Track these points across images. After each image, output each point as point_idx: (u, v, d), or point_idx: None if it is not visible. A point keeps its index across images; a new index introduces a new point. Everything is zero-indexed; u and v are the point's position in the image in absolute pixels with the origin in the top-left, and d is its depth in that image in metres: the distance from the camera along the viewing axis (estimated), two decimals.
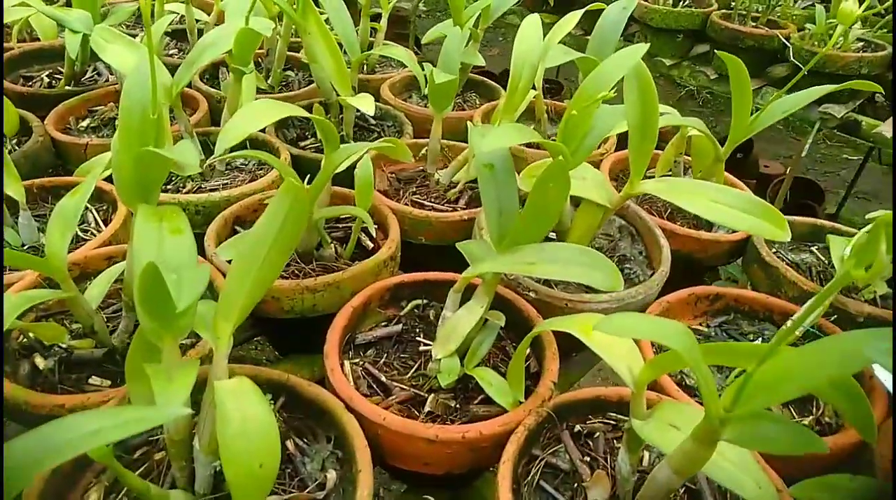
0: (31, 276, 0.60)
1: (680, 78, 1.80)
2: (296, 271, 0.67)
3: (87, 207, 0.76)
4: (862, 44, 1.56)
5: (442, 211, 0.78)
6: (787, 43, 1.53)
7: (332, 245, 0.70)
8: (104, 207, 0.77)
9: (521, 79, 0.80)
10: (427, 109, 1.04)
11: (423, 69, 0.93)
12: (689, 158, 0.87)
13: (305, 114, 0.61)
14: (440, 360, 0.57)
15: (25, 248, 0.69)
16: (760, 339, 0.67)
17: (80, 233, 0.72)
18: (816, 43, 1.52)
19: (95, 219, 0.75)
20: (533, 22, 0.82)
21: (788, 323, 0.64)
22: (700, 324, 0.69)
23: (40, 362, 0.55)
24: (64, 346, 0.56)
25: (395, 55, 0.93)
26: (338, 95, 0.89)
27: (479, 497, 0.61)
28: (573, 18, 0.89)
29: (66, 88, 1.03)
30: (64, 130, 0.91)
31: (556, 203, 0.52)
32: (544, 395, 0.54)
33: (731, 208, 0.58)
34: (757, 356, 0.34)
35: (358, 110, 0.95)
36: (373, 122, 1.01)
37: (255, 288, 0.43)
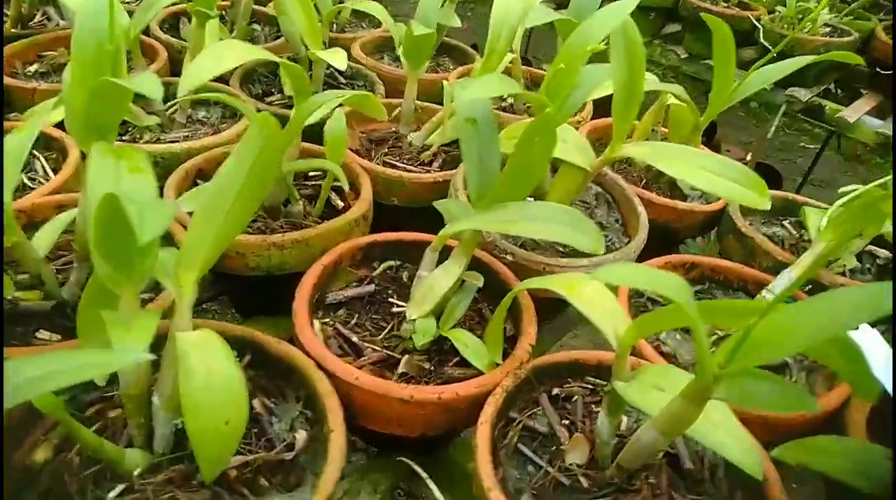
0: None
1: (650, 57, 1.79)
2: (262, 228, 0.64)
3: (34, 155, 0.71)
4: (829, 29, 1.57)
5: (415, 172, 0.76)
6: (757, 24, 1.54)
7: (301, 202, 0.67)
8: (53, 156, 0.72)
9: (500, 39, 0.77)
10: (400, 69, 1.00)
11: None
12: (666, 130, 0.86)
13: (274, 58, 0.57)
14: (415, 320, 0.55)
15: None
16: None
17: (27, 182, 0.67)
18: (786, 26, 1.53)
19: (44, 167, 0.70)
20: None
21: (763, 292, 0.64)
22: None
23: None
24: (8, 298, 0.52)
25: (370, 9, 0.89)
26: (307, 49, 0.86)
27: (451, 462, 0.60)
28: None
29: (13, 30, 0.96)
30: (10, 75, 0.85)
31: (540, 160, 0.50)
32: (522, 357, 0.52)
33: (715, 175, 0.57)
34: (754, 314, 0.33)
35: (328, 67, 0.91)
36: (343, 80, 0.97)
37: (221, 237, 0.40)
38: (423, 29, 0.72)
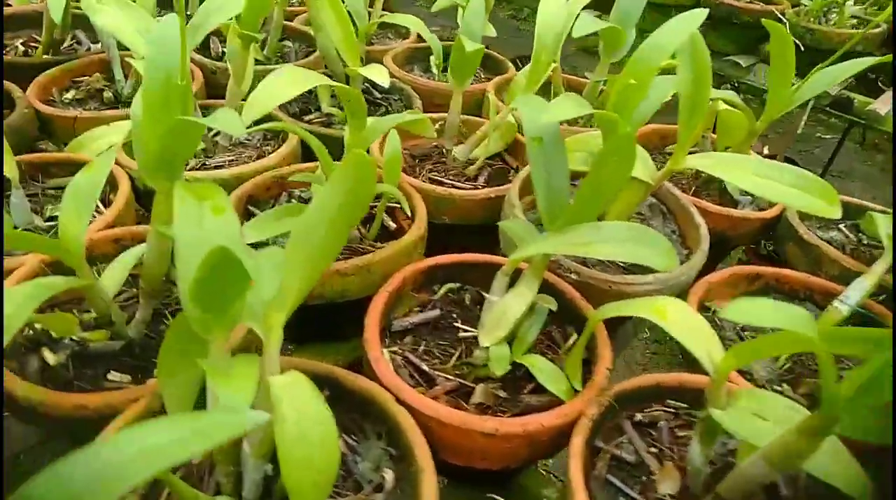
0: (34, 261, 0.54)
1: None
2: None
3: None
4: (856, 20, 1.55)
5: (465, 189, 0.75)
6: (783, 19, 1.52)
7: (356, 226, 0.66)
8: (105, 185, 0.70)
9: (545, 49, 0.76)
10: (433, 82, 0.99)
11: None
12: (714, 135, 0.84)
13: (333, 83, 0.56)
14: (487, 348, 0.53)
15: (18, 230, 0.63)
16: None
17: None
18: (812, 19, 1.51)
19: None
20: None
21: (835, 303, 0.62)
22: None
23: (50, 356, 0.50)
24: (75, 338, 0.51)
25: (407, 23, 0.88)
26: (345, 65, 0.85)
27: (523, 490, 0.58)
28: None
29: (45, 57, 0.95)
30: (48, 102, 0.84)
31: (616, 181, 0.49)
32: (601, 383, 0.51)
33: (781, 184, 0.55)
34: (888, 344, 0.31)
35: (364, 81, 0.90)
36: (378, 95, 0.96)
37: (312, 272, 0.40)
38: (472, 44, 0.71)
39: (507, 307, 0.53)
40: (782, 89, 0.69)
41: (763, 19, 0.67)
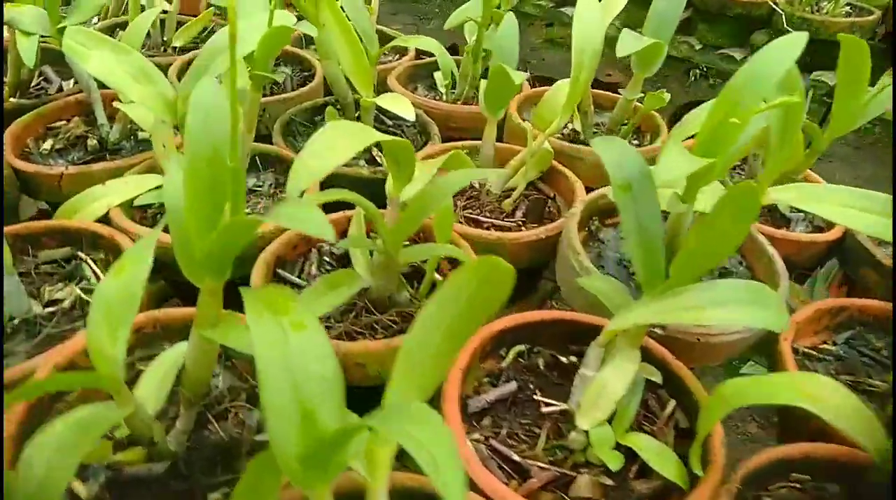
0: (57, 359, 0.46)
1: None
2: (372, 324, 0.55)
3: (79, 257, 0.61)
4: (848, 7, 1.52)
5: (513, 230, 0.68)
6: (776, 8, 1.48)
7: (405, 285, 0.59)
8: (102, 256, 0.62)
9: (583, 68, 0.70)
10: (446, 103, 0.92)
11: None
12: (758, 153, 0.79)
13: (384, 137, 0.48)
14: (586, 431, 0.47)
15: (15, 322, 0.54)
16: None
17: (85, 297, 0.57)
18: (808, 8, 1.48)
19: (95, 272, 0.60)
20: (590, 2, 0.71)
21: None
22: (824, 342, 0.61)
23: (80, 488, 0.42)
24: (105, 465, 0.43)
25: (424, 46, 0.80)
26: (355, 93, 0.77)
27: None
28: None
29: (12, 100, 0.85)
30: (24, 156, 0.74)
31: (733, 238, 0.43)
32: (720, 463, 0.45)
33: (873, 215, 0.50)
34: None
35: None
36: (390, 122, 0.88)
37: (423, 394, 0.32)
38: (517, 74, 0.64)
39: (607, 384, 0.47)
40: (852, 104, 0.64)
41: (839, 34, 0.61)
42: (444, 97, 0.96)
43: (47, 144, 0.77)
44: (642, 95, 0.78)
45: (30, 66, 0.71)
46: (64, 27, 0.72)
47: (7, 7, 0.73)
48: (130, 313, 0.37)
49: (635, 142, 0.88)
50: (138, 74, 0.60)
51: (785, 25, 1.45)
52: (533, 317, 0.55)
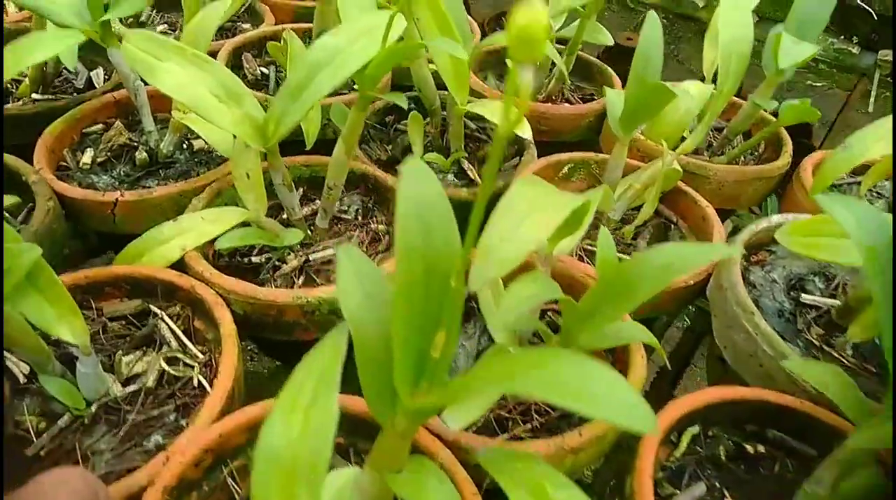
0: (166, 478, 0.37)
1: (705, 21, 1.61)
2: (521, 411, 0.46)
3: (152, 311, 0.51)
4: None
5: None
6: None
7: None
8: (177, 309, 0.51)
9: (730, 76, 0.60)
10: (538, 103, 0.81)
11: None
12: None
13: (578, 202, 0.38)
14: None
15: (92, 409, 0.44)
16: None
17: (169, 369, 0.47)
18: None
19: (175, 334, 0.50)
20: (736, 5, 0.61)
21: None
22: None
23: None
24: None
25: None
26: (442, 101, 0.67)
27: None
28: None
29: (34, 96, 0.73)
30: (63, 174, 0.63)
31: None
32: None
33: None
34: None
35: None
36: (474, 126, 0.78)
37: None
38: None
39: None
40: None
41: None
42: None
43: (87, 157, 0.65)
44: (777, 104, 0.68)
45: (71, 67, 0.59)
46: (107, 20, 0.60)
47: None
48: (319, 478, 0.27)
49: (751, 156, 0.78)
50: (222, 93, 0.49)
51: None
52: (714, 396, 0.47)
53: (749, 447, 0.46)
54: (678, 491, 0.44)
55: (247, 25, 0.93)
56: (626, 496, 0.42)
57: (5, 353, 0.46)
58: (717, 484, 0.45)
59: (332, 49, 0.49)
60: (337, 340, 0.28)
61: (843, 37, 1.44)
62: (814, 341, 0.53)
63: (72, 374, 0.45)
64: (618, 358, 0.51)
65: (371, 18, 0.50)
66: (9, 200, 0.55)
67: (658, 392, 0.70)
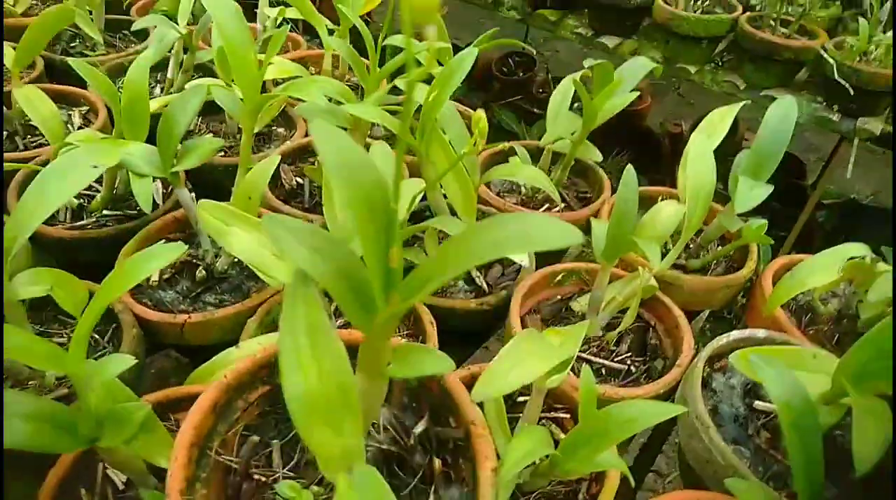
0: None
1: (703, 85, 1.73)
2: None
3: None
4: None
5: (627, 380, 0.70)
6: (825, 56, 1.48)
7: None
8: None
9: (696, 214, 0.72)
10: (528, 211, 0.93)
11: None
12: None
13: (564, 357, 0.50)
14: None
15: None
16: None
17: None
18: (859, 58, 1.48)
19: None
20: (702, 147, 0.73)
21: None
22: None
23: None
24: None
25: (525, 178, 0.81)
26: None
27: None
28: (725, 118, 0.80)
29: (105, 212, 0.85)
30: (136, 290, 0.75)
31: None
32: None
33: None
34: None
35: None
36: None
37: None
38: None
39: None
40: None
41: None
42: (527, 195, 0.97)
43: (155, 274, 0.77)
44: (743, 223, 0.80)
45: (146, 210, 0.71)
46: (177, 171, 0.72)
47: (117, 143, 0.73)
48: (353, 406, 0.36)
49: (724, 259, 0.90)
50: (276, 251, 0.61)
51: (835, 76, 1.45)
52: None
53: None
54: None
55: (281, 130, 1.05)
56: None
57: (107, 466, 0.58)
58: None
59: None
60: (303, 293, 0.36)
61: (824, 104, 1.56)
62: (761, 445, 0.65)
63: (161, 483, 0.57)
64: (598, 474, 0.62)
65: None
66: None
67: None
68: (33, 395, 0.48)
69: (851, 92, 1.44)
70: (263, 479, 0.49)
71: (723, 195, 0.79)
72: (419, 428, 0.50)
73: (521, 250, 0.32)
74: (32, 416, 0.46)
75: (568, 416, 0.66)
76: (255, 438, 0.51)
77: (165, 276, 0.78)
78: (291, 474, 0.49)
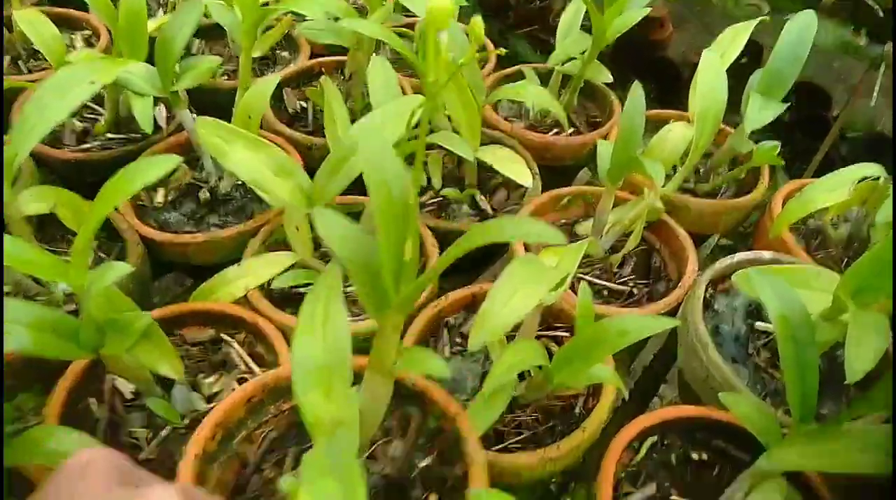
0: None
1: (723, 9, 1.66)
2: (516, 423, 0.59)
3: (223, 340, 0.64)
4: None
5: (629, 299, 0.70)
6: None
7: None
8: (242, 336, 0.64)
9: (704, 135, 0.70)
10: (540, 134, 0.90)
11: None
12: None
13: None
14: None
15: (186, 420, 0.58)
16: None
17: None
18: None
19: (243, 359, 0.63)
20: (713, 64, 0.70)
21: None
22: None
23: None
24: None
25: (531, 98, 0.79)
26: None
27: None
28: (739, 36, 0.77)
29: (108, 135, 0.85)
30: (139, 211, 0.76)
31: None
32: None
33: None
34: None
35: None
36: None
37: None
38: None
39: None
40: None
41: None
42: (534, 119, 0.95)
43: (160, 196, 0.78)
44: (754, 146, 0.78)
45: (147, 131, 0.71)
46: (177, 91, 0.71)
47: (115, 62, 0.72)
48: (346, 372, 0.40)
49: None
50: (277, 169, 0.61)
51: None
52: (671, 414, 0.59)
53: (695, 454, 0.59)
54: (634, 489, 0.56)
55: (285, 54, 1.03)
56: (592, 492, 0.55)
57: (114, 377, 0.60)
58: (666, 484, 0.57)
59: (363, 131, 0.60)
60: (331, 275, 0.41)
61: (851, 28, 1.49)
62: (761, 364, 0.65)
63: (167, 394, 0.59)
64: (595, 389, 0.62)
65: (398, 105, 0.61)
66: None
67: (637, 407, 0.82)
68: (37, 305, 0.49)
69: (881, 13, 1.37)
70: (271, 476, 0.50)
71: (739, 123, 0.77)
72: (424, 463, 0.50)
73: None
74: (35, 324, 0.47)
75: (568, 334, 0.66)
76: (274, 433, 0.52)
77: (170, 197, 0.78)
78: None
